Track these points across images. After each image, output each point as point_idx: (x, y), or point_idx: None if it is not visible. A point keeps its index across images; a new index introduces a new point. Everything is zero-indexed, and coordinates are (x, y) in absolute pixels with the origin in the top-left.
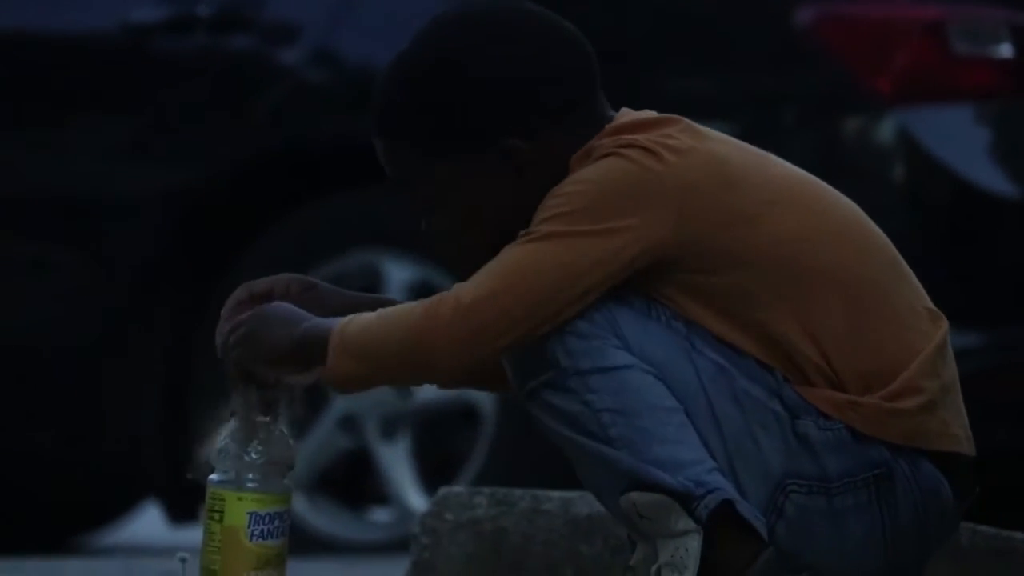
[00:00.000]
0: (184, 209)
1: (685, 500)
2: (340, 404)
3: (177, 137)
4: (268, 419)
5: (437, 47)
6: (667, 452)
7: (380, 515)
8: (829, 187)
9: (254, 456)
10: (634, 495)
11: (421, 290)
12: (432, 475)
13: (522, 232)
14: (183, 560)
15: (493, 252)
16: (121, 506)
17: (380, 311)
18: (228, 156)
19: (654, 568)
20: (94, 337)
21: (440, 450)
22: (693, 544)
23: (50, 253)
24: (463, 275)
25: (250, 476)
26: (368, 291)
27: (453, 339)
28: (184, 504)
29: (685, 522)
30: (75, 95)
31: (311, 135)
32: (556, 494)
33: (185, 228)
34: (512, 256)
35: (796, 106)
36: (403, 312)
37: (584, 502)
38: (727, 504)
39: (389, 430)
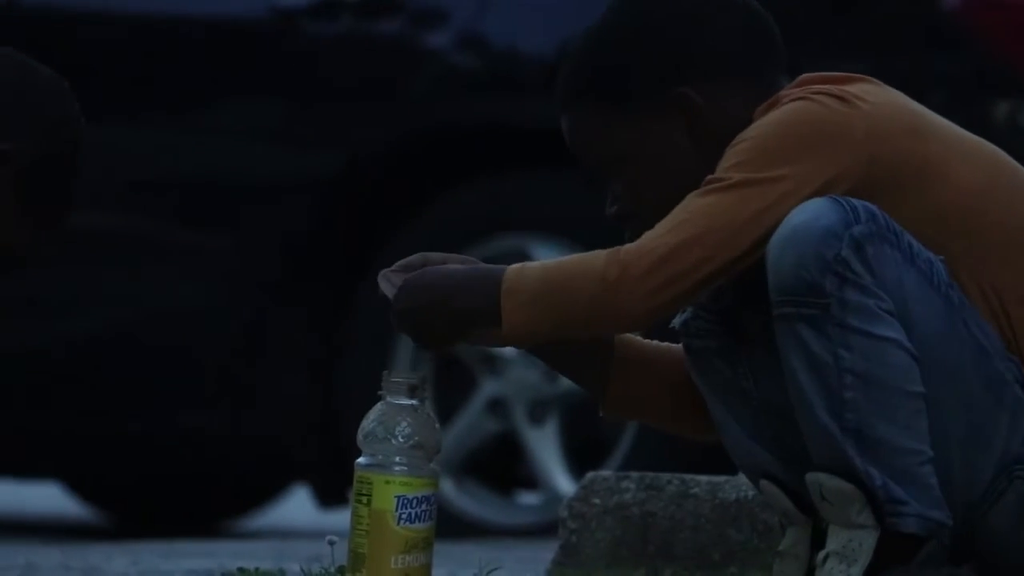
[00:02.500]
0: (333, 193)
1: (874, 499)
2: (488, 388)
3: (326, 121)
4: (415, 402)
5: (619, 8)
6: (890, 433)
7: (528, 499)
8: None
9: (401, 440)
10: (823, 476)
11: None
12: (580, 459)
13: (707, 179)
14: (332, 543)
15: None
16: (271, 489)
17: (554, 260)
18: (376, 140)
19: (821, 554)
20: (245, 321)
21: (588, 434)
22: (868, 541)
23: (203, 237)
24: None
25: (397, 460)
26: None
27: (642, 288)
28: (333, 487)
29: (866, 517)
30: (226, 79)
31: (459, 119)
32: (704, 478)
33: (334, 212)
34: (701, 204)
35: (945, 90)
36: (584, 262)
37: (732, 487)
38: (914, 521)
39: (537, 414)
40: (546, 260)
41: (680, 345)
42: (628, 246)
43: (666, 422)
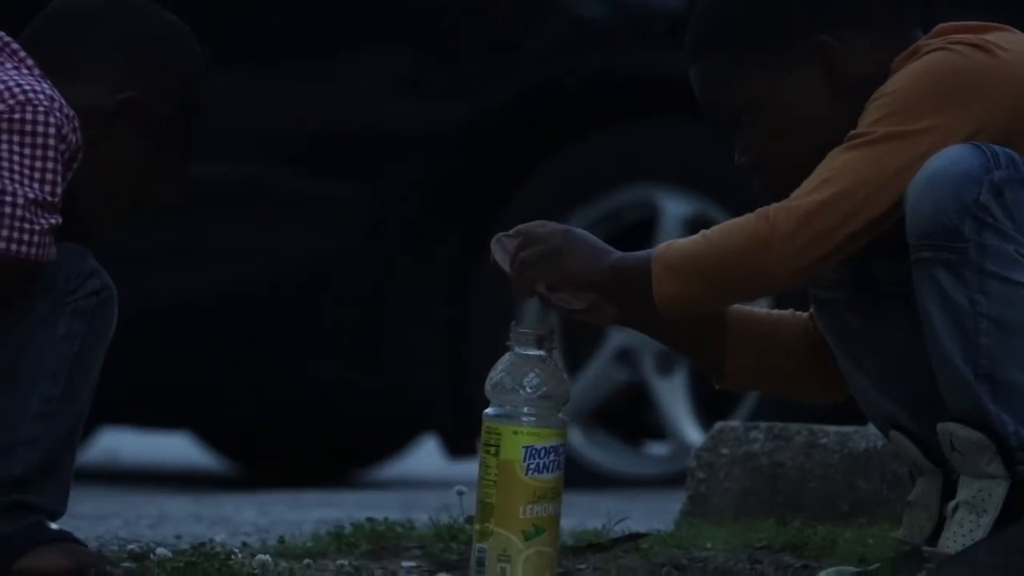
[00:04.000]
0: (462, 144)
1: (1006, 449)
2: (616, 338)
3: (455, 72)
4: (543, 353)
5: None
6: None
7: (656, 449)
8: None
9: (529, 390)
10: (953, 426)
11: (697, 224)
12: (708, 409)
13: (851, 134)
14: (460, 493)
15: (811, 171)
16: (400, 440)
17: (701, 232)
18: (506, 91)
19: (952, 504)
20: (375, 272)
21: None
22: (999, 491)
23: (331, 187)
24: (783, 198)
25: (525, 410)
26: (644, 225)
27: (792, 247)
28: (462, 438)
29: (996, 467)
30: (357, 30)
31: (589, 69)
32: (833, 428)
33: (463, 163)
34: (846, 160)
35: None
36: (733, 227)
37: (861, 437)
38: None
39: (666, 364)
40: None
41: (791, 312)
42: (775, 206)
43: (784, 390)
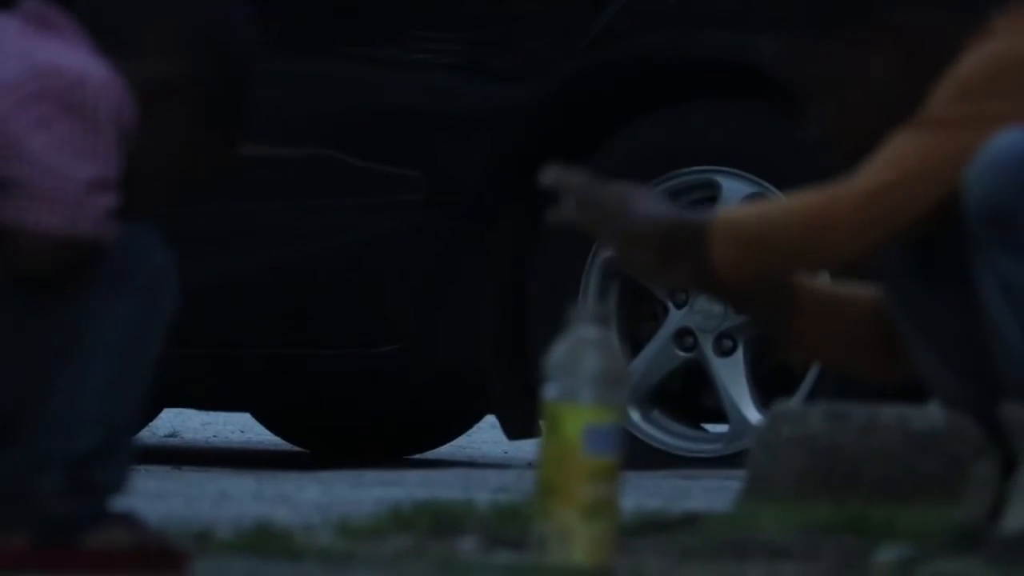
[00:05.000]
0: (521, 124)
1: None
2: (676, 318)
3: (516, 53)
4: (602, 333)
5: None
6: None
7: (716, 429)
8: None
9: (589, 370)
10: (1015, 407)
11: None
12: (768, 389)
13: (917, 115)
14: (520, 472)
15: (881, 144)
16: (461, 420)
17: (764, 202)
18: (564, 72)
19: (1013, 484)
20: (433, 252)
21: (776, 364)
22: None
23: (392, 168)
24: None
25: (585, 390)
26: (704, 205)
27: (855, 225)
28: (522, 417)
29: None
30: (412, 11)
31: (648, 50)
32: (892, 409)
33: (521, 144)
34: (912, 141)
35: None
36: (797, 200)
37: (920, 417)
38: None
39: (725, 344)
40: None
41: (858, 284)
42: (838, 184)
43: (850, 363)
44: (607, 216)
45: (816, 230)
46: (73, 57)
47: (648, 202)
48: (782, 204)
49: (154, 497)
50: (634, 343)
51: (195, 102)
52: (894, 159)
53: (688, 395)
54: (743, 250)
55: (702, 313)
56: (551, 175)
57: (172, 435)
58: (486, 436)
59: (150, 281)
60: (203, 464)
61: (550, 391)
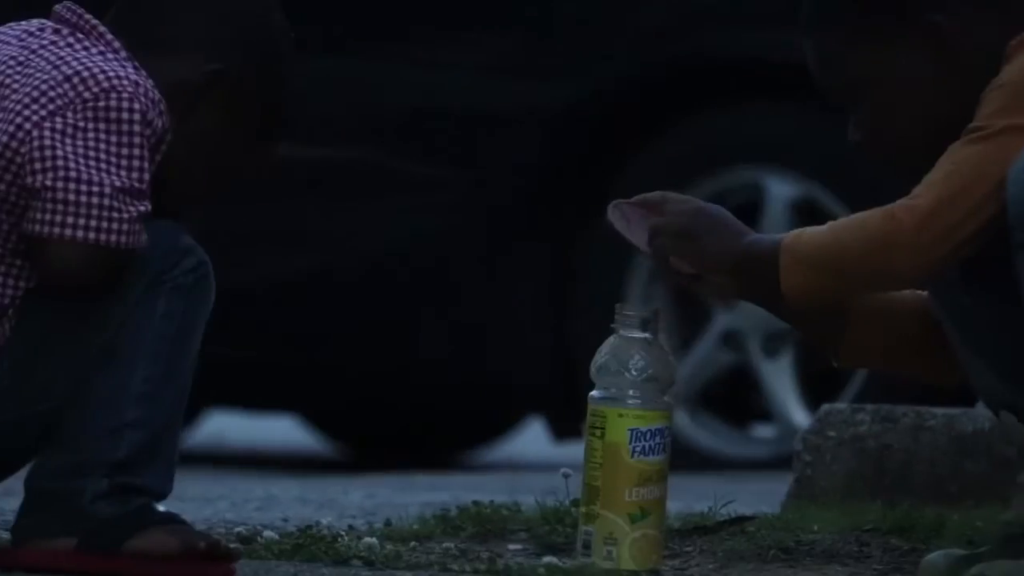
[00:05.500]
0: (568, 124)
1: None
2: (723, 320)
3: (562, 52)
4: (648, 335)
5: None
6: None
7: (762, 431)
8: None
9: (634, 373)
10: None
11: (804, 207)
12: (815, 391)
13: (969, 128)
14: (566, 476)
15: (927, 148)
16: (506, 423)
17: (828, 224)
18: (612, 71)
19: None
20: (480, 254)
21: (823, 366)
22: None
23: (439, 168)
24: (899, 175)
25: (631, 393)
26: (749, 207)
27: (918, 243)
28: (567, 420)
29: None
30: (462, 10)
31: (695, 50)
32: (940, 411)
33: (569, 143)
34: (966, 153)
35: None
36: (859, 221)
37: (968, 418)
38: None
39: (772, 346)
40: (832, 222)
41: (910, 291)
42: (899, 203)
43: (902, 369)
44: (680, 238)
45: (882, 253)
46: (104, 64)
47: (721, 224)
48: (846, 227)
49: (200, 501)
50: (681, 345)
51: (230, 101)
52: (951, 173)
53: (736, 397)
54: (811, 277)
55: (749, 314)
56: (616, 215)
57: (217, 439)
58: (533, 438)
59: (188, 281)
60: (248, 468)
61: (596, 394)
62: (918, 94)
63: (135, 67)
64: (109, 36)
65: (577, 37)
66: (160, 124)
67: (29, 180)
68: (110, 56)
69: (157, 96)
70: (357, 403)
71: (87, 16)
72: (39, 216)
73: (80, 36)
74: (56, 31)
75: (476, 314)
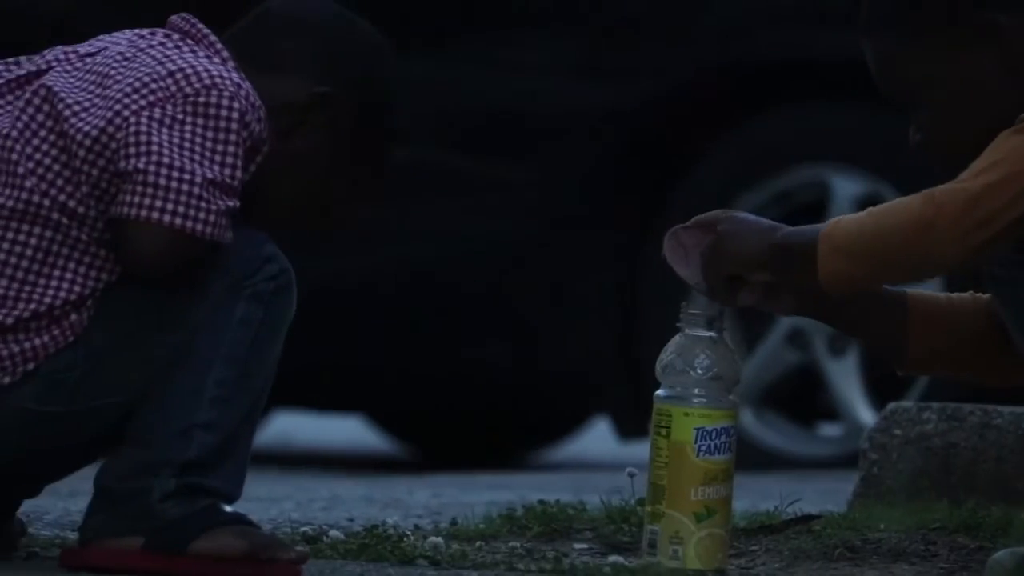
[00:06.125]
0: (632, 125)
1: None
2: (788, 319)
3: (623, 55)
4: (713, 334)
5: None
6: None
7: (828, 430)
8: None
9: (700, 372)
10: None
11: (869, 204)
12: (881, 390)
13: (1021, 117)
14: (631, 475)
15: (984, 147)
16: (571, 422)
17: (867, 209)
18: (674, 72)
19: None
20: (548, 254)
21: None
22: None
23: (508, 170)
24: (956, 175)
25: (696, 392)
26: (815, 206)
27: (959, 229)
28: (633, 419)
29: None
30: (522, 13)
31: (756, 50)
32: (1007, 409)
33: (633, 144)
34: (1015, 143)
35: None
36: (899, 206)
37: None
38: None
39: (838, 345)
40: (870, 208)
41: (970, 294)
42: (941, 187)
43: (967, 373)
44: (712, 248)
45: (921, 237)
46: (208, 64)
47: (749, 223)
48: (884, 212)
49: (266, 501)
50: (747, 344)
51: (332, 126)
52: (996, 161)
53: (801, 396)
54: (850, 262)
55: None
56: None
57: (283, 439)
58: (598, 437)
59: (269, 289)
60: (314, 468)
61: (662, 393)
62: (976, 94)
63: (240, 75)
64: (219, 45)
65: (646, 39)
66: (258, 129)
67: (122, 164)
68: (216, 61)
69: (258, 102)
70: (423, 403)
71: (200, 25)
72: (127, 198)
73: (190, 42)
74: (167, 35)
75: (541, 314)
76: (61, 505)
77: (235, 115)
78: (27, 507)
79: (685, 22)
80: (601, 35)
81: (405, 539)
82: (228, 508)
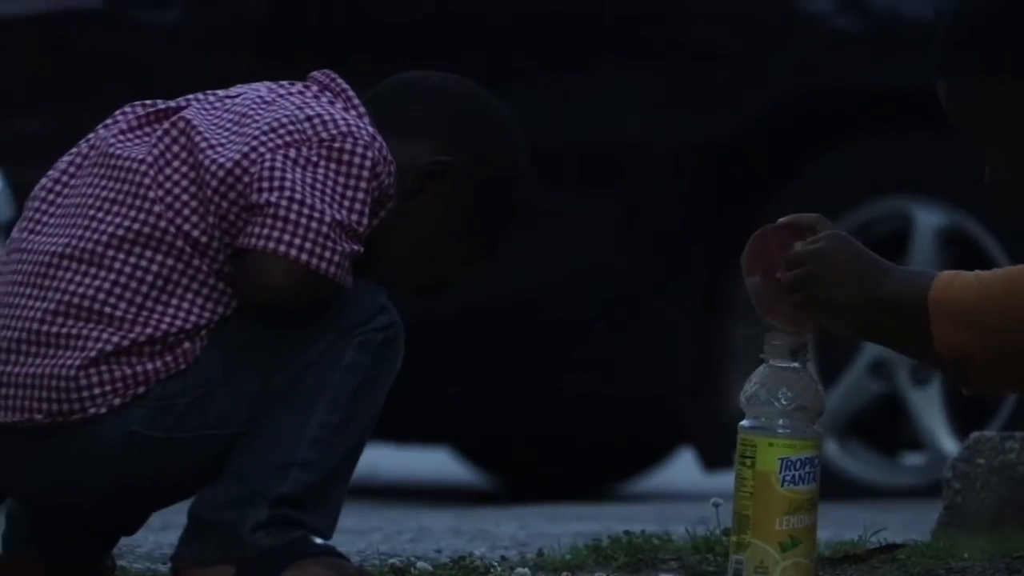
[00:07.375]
0: (713, 157)
1: None
2: (871, 350)
3: (706, 86)
4: (797, 365)
5: None
6: None
7: (912, 460)
8: None
9: (784, 402)
10: None
11: (951, 236)
12: (964, 419)
13: None
14: (716, 505)
15: None
16: (656, 453)
17: (974, 275)
18: (757, 104)
19: None
20: (627, 285)
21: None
22: None
23: (588, 201)
24: None
25: (780, 422)
26: (897, 238)
27: None
28: (718, 450)
29: None
30: (602, 45)
31: (840, 82)
32: None
33: (714, 176)
34: None
35: None
36: (1012, 277)
37: None
38: None
39: (920, 375)
40: (978, 272)
41: None
42: None
43: None
44: (800, 284)
45: None
46: (344, 115)
47: (847, 266)
48: (998, 281)
49: (354, 533)
50: (830, 374)
51: (450, 196)
52: None
53: (885, 426)
54: (965, 332)
55: None
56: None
57: (370, 471)
58: (683, 468)
59: (378, 339)
60: (401, 500)
61: (746, 423)
62: None
63: (375, 130)
64: (356, 101)
65: (728, 70)
66: (388, 182)
67: (254, 197)
68: (352, 114)
69: (390, 156)
70: (510, 435)
71: (340, 81)
72: (256, 230)
73: (329, 95)
74: (306, 86)
75: (628, 344)
76: (153, 538)
77: (367, 163)
78: (120, 541)
79: (766, 53)
80: (683, 68)
81: (492, 570)
82: (318, 540)
